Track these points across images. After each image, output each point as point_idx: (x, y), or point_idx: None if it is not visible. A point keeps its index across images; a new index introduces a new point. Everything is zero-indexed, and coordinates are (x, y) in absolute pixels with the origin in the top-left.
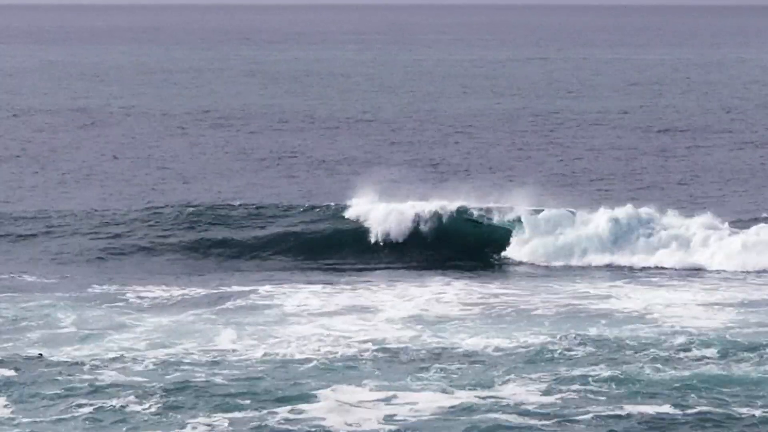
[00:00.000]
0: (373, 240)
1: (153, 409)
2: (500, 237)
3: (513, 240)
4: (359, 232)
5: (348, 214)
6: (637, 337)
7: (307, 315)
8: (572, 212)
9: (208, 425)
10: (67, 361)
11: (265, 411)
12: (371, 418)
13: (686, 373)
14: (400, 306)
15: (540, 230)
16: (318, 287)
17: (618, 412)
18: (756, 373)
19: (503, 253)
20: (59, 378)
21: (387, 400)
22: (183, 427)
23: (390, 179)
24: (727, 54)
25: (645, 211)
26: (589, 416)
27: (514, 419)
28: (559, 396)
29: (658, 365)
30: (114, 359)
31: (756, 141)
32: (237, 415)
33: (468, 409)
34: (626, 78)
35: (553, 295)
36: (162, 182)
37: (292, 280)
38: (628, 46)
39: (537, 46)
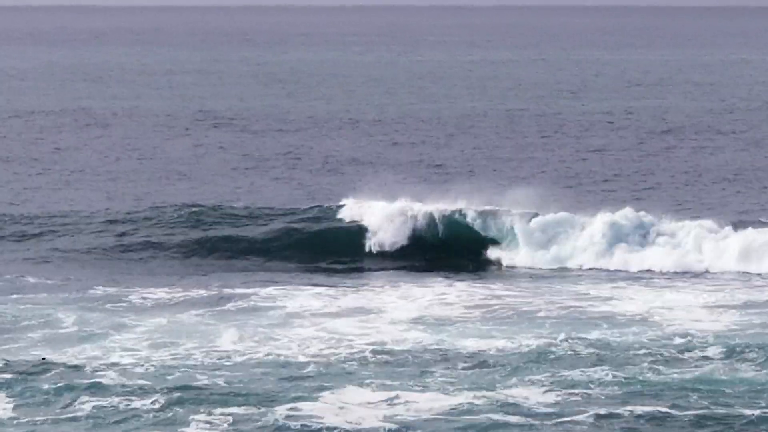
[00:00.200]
0: (375, 241)
1: (154, 410)
2: (502, 239)
3: (514, 242)
4: (361, 233)
5: (350, 215)
6: (639, 338)
7: (309, 316)
8: (573, 215)
9: (209, 426)
10: (68, 362)
11: (266, 412)
12: (372, 418)
13: (687, 374)
14: (403, 307)
15: (542, 233)
16: (320, 289)
17: (619, 413)
18: (757, 374)
19: (505, 256)
20: (60, 378)
21: (389, 401)
22: (184, 427)
23: (393, 180)
24: (729, 55)
25: (645, 213)
26: (590, 417)
27: (515, 420)
28: (560, 397)
29: (660, 367)
30: (115, 360)
31: (759, 142)
32: (238, 416)
33: (469, 409)
34: (628, 79)
35: (555, 297)
36: (164, 183)
37: (294, 282)
38: (630, 47)
39: (539, 48)
